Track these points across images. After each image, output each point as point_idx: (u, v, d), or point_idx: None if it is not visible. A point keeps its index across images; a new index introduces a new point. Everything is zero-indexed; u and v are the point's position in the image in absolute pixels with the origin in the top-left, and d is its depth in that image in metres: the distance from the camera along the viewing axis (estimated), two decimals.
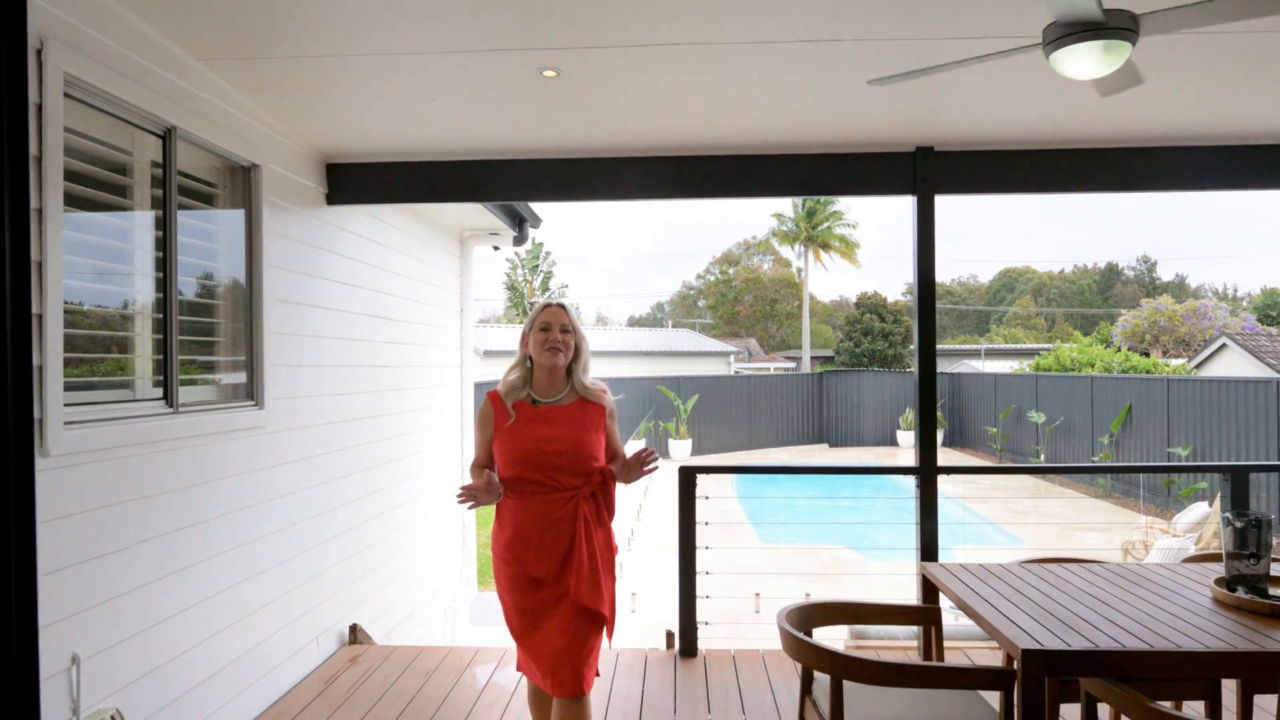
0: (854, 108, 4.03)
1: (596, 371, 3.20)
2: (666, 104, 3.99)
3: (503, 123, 4.25)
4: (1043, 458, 18.79)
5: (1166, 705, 2.42)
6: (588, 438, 2.99)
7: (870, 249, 35.75)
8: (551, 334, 2.99)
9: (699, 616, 4.74)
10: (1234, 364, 19.96)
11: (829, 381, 24.97)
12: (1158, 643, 2.36)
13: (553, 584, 2.93)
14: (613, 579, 3.03)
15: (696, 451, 22.12)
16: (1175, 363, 22.22)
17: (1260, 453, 12.40)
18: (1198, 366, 21.05)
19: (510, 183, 4.73)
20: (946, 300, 57.67)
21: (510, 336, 23.66)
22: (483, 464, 3.09)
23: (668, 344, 30.99)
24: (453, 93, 3.84)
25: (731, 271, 49.74)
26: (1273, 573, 2.82)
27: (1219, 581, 2.79)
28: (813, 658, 2.53)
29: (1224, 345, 20.64)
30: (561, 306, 3.07)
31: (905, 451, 22.61)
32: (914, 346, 4.59)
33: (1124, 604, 2.73)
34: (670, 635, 4.82)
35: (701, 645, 4.76)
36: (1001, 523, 12.96)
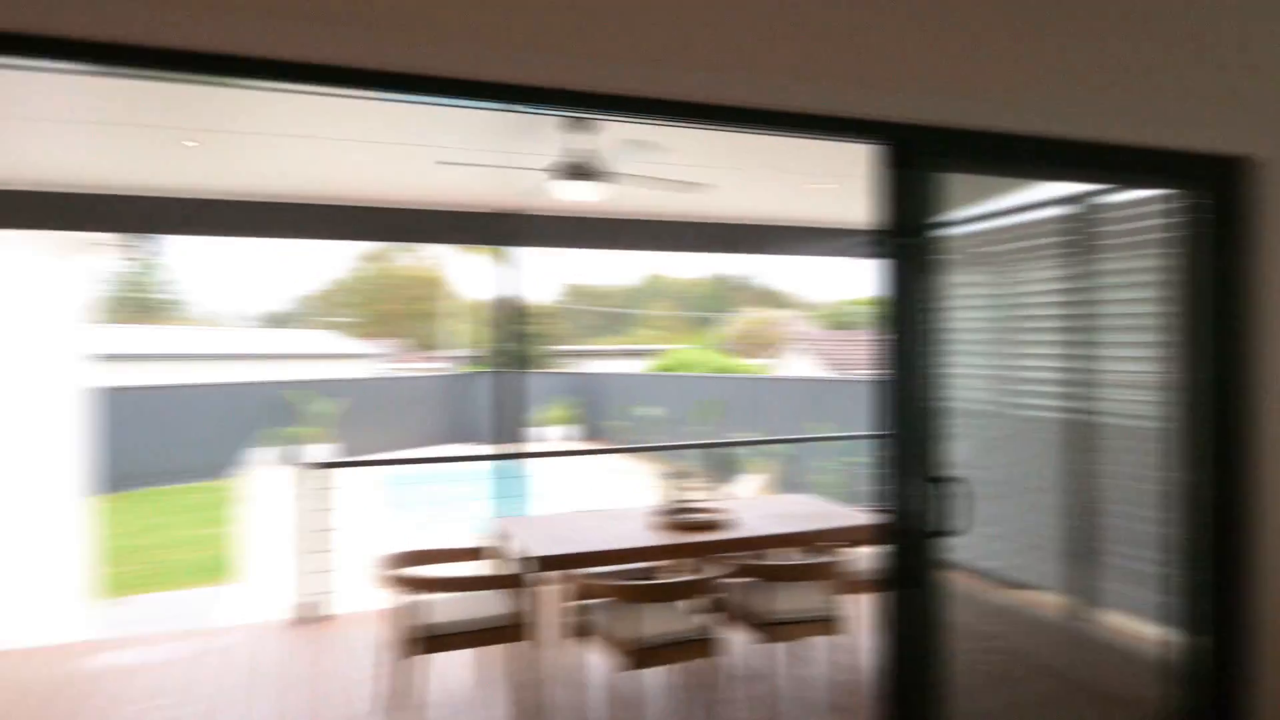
0: (443, 181, 5.30)
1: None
2: (282, 167, 4.99)
3: (147, 169, 4.94)
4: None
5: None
6: None
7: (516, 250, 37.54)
8: None
9: (333, 584, 5.73)
10: (805, 364, 24.76)
11: (472, 381, 26.29)
12: (604, 545, 3.92)
13: None
14: None
15: (350, 453, 22.16)
16: (763, 363, 26.86)
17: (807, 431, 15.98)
18: (778, 366, 25.73)
19: (146, 216, 5.39)
20: (599, 303, 62.14)
21: (129, 337, 21.92)
22: None
23: (309, 345, 30.38)
24: (106, 149, 4.51)
25: (375, 269, 49.06)
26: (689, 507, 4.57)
27: (657, 514, 4.46)
28: (398, 582, 3.75)
29: (796, 349, 25.49)
30: None
31: (543, 445, 24.56)
32: (507, 364, 6.06)
33: (604, 530, 4.28)
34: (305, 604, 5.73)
35: (338, 609, 5.74)
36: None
